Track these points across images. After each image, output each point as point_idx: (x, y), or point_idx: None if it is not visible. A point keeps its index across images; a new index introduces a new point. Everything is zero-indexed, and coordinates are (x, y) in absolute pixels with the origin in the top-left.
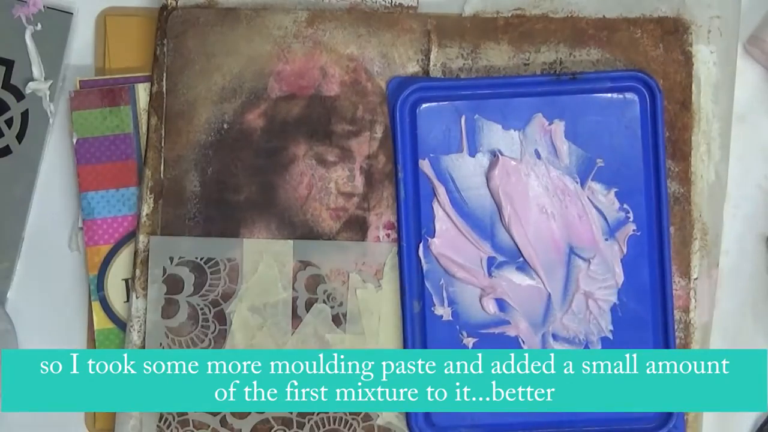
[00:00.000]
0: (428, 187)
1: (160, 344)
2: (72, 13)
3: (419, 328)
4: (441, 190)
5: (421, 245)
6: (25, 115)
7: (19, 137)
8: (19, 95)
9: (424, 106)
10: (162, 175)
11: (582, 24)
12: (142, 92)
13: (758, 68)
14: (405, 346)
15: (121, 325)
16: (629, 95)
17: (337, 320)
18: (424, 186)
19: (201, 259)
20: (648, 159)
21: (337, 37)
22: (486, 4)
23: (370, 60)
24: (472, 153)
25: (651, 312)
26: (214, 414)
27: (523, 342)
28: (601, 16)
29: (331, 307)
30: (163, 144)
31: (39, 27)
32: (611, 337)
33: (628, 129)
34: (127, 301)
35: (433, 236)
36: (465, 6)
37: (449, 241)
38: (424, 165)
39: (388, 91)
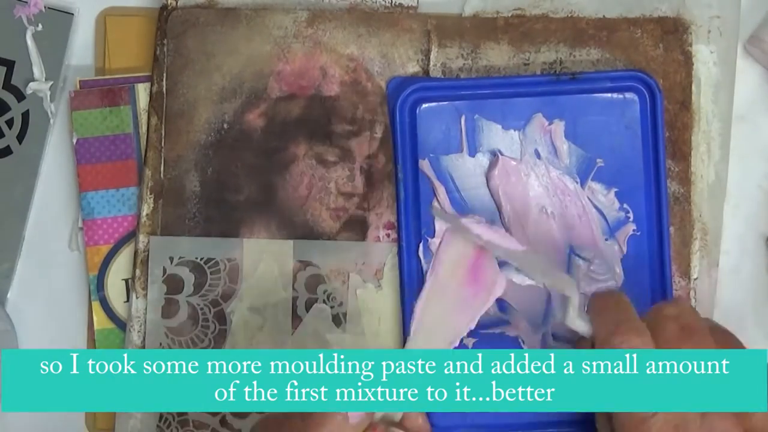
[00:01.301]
0: (428, 187)
1: (160, 344)
2: (72, 14)
3: None
4: (441, 190)
5: (421, 245)
6: (25, 116)
7: (20, 137)
8: (20, 96)
9: (424, 106)
10: (162, 175)
11: (582, 24)
12: (142, 92)
13: (758, 68)
14: (404, 345)
15: (121, 325)
16: (629, 95)
17: (337, 320)
18: (424, 186)
19: (201, 259)
20: (648, 159)
21: (337, 37)
22: (486, 4)
23: (370, 60)
24: (472, 153)
25: None
26: (214, 414)
27: (523, 342)
28: (601, 16)
29: (331, 307)
30: (163, 144)
31: (40, 27)
32: None
33: (628, 129)
34: (127, 301)
35: (433, 236)
36: (465, 6)
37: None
38: (424, 165)
39: (387, 91)
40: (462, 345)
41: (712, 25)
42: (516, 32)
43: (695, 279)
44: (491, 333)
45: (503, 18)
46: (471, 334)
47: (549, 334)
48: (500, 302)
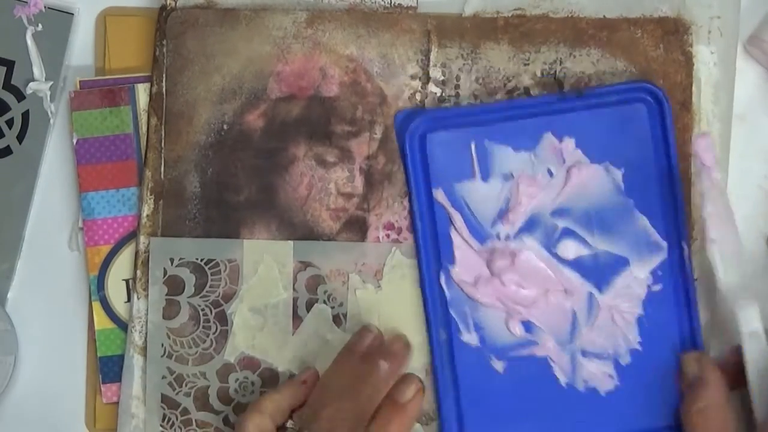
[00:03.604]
0: (444, 216)
1: (162, 345)
2: (73, 14)
3: (447, 355)
4: (457, 218)
5: (442, 274)
6: (25, 116)
7: (20, 137)
8: (20, 96)
9: (432, 135)
10: (162, 176)
11: (582, 24)
12: (142, 92)
13: (758, 68)
14: (434, 373)
15: (122, 325)
16: (637, 106)
17: (338, 320)
18: (440, 215)
19: (201, 260)
20: (661, 167)
21: (337, 37)
22: (486, 4)
23: (370, 60)
24: (485, 178)
25: (677, 320)
26: (217, 413)
27: (553, 361)
28: (601, 16)
29: (332, 308)
30: (163, 144)
31: (40, 27)
32: (640, 349)
33: (637, 140)
34: (128, 301)
35: (453, 264)
36: (465, 6)
37: (470, 267)
38: (439, 194)
39: (395, 125)
40: (492, 369)
41: (712, 25)
42: (516, 32)
43: (695, 279)
44: (520, 356)
45: (503, 18)
46: (500, 357)
47: (578, 351)
48: (526, 324)
